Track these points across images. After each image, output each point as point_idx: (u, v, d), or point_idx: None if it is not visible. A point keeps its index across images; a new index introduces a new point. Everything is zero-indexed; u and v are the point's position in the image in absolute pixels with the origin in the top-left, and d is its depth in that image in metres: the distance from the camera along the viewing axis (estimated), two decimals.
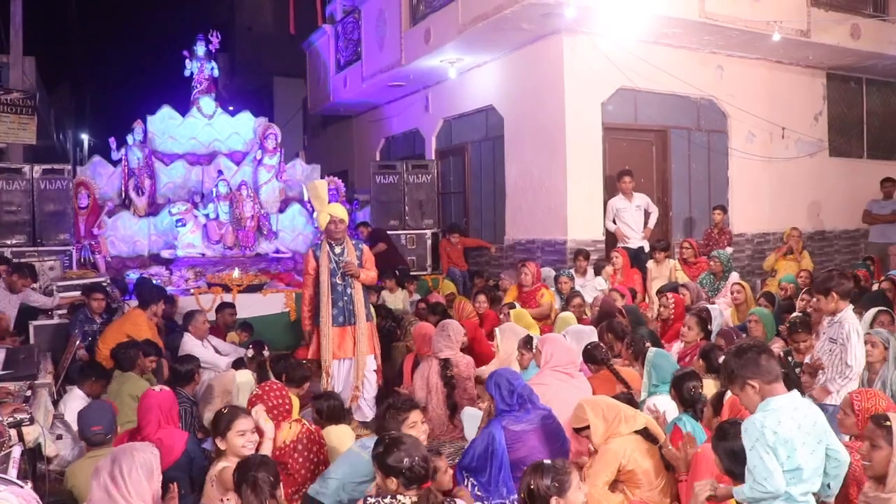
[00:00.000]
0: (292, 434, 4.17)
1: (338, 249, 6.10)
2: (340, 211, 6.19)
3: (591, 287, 8.50)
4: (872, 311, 5.66)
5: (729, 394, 4.01)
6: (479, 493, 4.00)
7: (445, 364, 5.75)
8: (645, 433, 3.91)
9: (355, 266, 6.04)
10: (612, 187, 9.77)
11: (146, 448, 3.14)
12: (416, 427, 3.74)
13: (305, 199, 10.70)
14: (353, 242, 6.25)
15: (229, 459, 3.56)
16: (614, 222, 9.41)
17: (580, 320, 6.91)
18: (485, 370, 5.88)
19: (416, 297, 9.25)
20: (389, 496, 2.93)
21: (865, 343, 4.98)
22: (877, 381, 4.93)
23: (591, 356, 5.24)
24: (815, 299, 4.78)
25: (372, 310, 6.48)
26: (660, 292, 7.48)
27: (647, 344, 5.52)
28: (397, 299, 8.88)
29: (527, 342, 5.59)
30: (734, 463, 3.04)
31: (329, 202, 10.00)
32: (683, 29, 9.32)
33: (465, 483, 4.05)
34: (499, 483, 3.95)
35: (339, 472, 3.77)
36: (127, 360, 5.54)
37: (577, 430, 3.97)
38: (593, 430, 3.85)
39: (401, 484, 2.96)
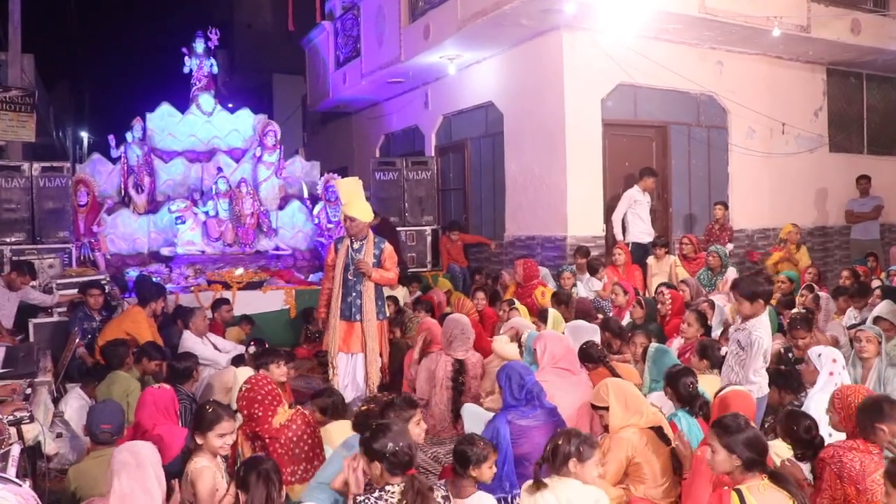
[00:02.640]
0: (286, 416, 4.31)
1: (356, 245, 6.13)
2: (354, 210, 6.15)
3: (587, 286, 8.50)
4: (875, 312, 5.67)
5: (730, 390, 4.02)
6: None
7: (460, 366, 5.72)
8: (659, 431, 3.91)
9: (368, 265, 6.04)
10: (612, 184, 9.78)
11: (148, 444, 3.24)
12: (418, 425, 3.80)
13: (305, 195, 10.70)
14: (376, 241, 6.23)
15: (206, 456, 3.56)
16: (623, 219, 9.41)
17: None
18: (488, 362, 5.89)
19: (419, 293, 9.25)
20: (378, 490, 2.97)
21: (860, 340, 5.00)
22: (871, 374, 4.96)
23: (588, 354, 5.24)
24: (735, 301, 4.54)
25: (385, 309, 6.44)
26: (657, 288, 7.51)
27: (652, 340, 5.54)
28: (397, 296, 8.87)
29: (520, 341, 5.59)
30: (750, 450, 3.04)
31: (331, 200, 10.18)
32: (683, 24, 9.30)
33: None
34: (502, 477, 3.93)
35: (326, 478, 3.76)
36: (116, 358, 5.52)
37: (595, 408, 4.02)
38: (611, 412, 3.89)
39: (385, 469, 3.02)
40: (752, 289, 4.37)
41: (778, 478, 3.04)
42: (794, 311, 6.36)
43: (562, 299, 7.18)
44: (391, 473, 3.03)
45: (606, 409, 3.92)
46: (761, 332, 4.44)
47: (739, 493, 2.96)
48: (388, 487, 2.98)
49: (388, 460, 3.02)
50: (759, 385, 4.44)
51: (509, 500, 3.95)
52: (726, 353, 4.72)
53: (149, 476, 3.01)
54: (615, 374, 4.98)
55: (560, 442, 3.28)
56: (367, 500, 2.96)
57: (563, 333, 5.81)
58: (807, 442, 3.63)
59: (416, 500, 2.92)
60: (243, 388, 4.50)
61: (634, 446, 3.80)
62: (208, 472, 3.47)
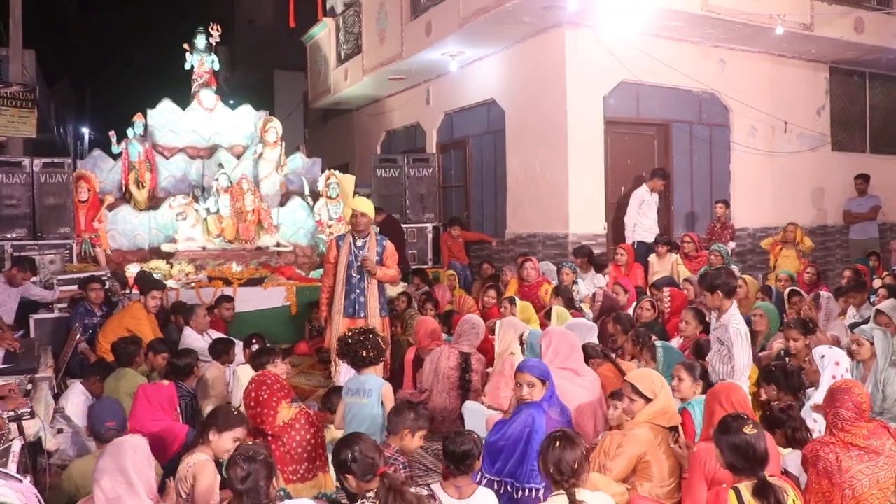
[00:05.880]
0: (291, 414, 4.30)
1: (359, 242, 6.13)
2: (363, 205, 6.17)
3: (591, 284, 8.49)
4: (878, 307, 5.67)
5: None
6: (488, 477, 3.94)
7: (466, 362, 5.71)
8: (675, 432, 3.90)
9: (373, 263, 6.06)
10: (614, 181, 9.78)
11: (136, 439, 3.18)
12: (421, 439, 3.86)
13: (306, 192, 10.68)
14: (378, 238, 6.23)
15: (208, 452, 3.51)
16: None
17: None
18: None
19: (425, 287, 9.23)
20: (360, 500, 3.00)
21: (851, 343, 5.01)
22: (869, 378, 4.94)
23: (596, 351, 5.23)
24: (702, 295, 4.87)
25: (387, 305, 6.45)
26: (654, 287, 7.48)
27: (654, 338, 5.52)
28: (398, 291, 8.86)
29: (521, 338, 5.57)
30: (736, 457, 3.01)
31: (332, 197, 10.16)
32: (686, 22, 9.28)
33: (478, 476, 3.96)
34: (534, 468, 3.84)
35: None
36: (126, 356, 5.50)
37: (632, 388, 3.94)
38: (649, 407, 3.85)
39: (357, 478, 3.04)
40: (712, 282, 4.64)
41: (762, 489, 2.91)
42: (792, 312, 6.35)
43: (561, 293, 7.16)
44: (364, 480, 3.05)
45: (643, 396, 3.87)
46: (738, 325, 4.58)
47: (737, 491, 2.92)
48: (368, 495, 2.99)
49: (353, 468, 3.05)
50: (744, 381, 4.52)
51: (515, 487, 3.89)
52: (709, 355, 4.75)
53: (129, 478, 2.92)
54: (621, 371, 4.97)
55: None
56: None
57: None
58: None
59: (390, 497, 2.90)
60: (252, 385, 4.48)
61: (649, 444, 3.77)
62: (211, 466, 3.41)
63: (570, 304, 7.15)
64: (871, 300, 6.98)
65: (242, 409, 4.60)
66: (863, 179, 11.03)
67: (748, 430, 2.98)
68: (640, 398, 3.90)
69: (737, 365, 4.52)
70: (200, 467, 3.39)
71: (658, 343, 5.34)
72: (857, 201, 11.05)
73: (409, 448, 3.81)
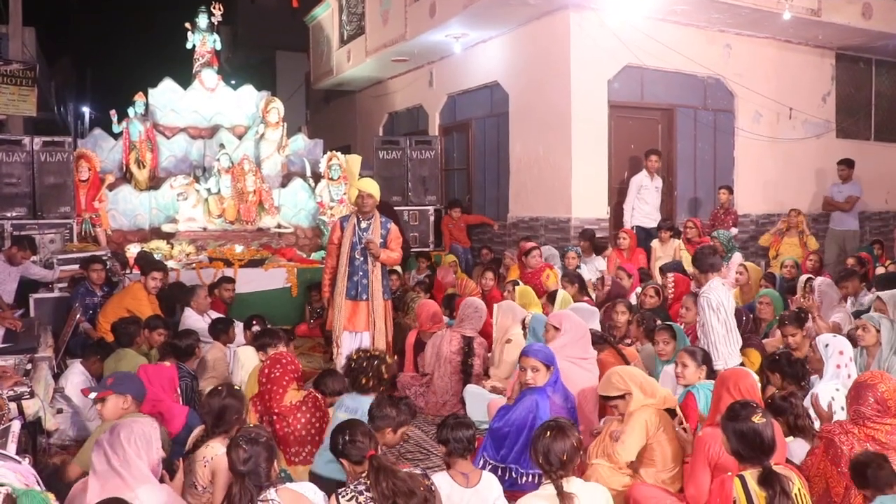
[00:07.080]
0: (298, 396, 4.30)
1: (364, 224, 6.08)
2: (369, 186, 6.11)
3: (593, 267, 8.46)
4: (872, 296, 5.67)
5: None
6: (492, 463, 3.94)
7: (468, 346, 5.69)
8: (673, 414, 3.88)
9: (377, 245, 6.01)
10: (617, 166, 9.73)
11: (146, 421, 3.15)
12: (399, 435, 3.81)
13: (307, 173, 10.64)
14: (382, 220, 6.19)
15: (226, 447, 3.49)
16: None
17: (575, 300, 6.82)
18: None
19: (428, 272, 9.22)
20: (353, 485, 3.00)
21: (856, 328, 4.98)
22: (873, 365, 4.91)
23: (599, 337, 5.22)
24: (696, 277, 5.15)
25: (389, 288, 6.42)
26: (662, 270, 7.46)
27: (658, 322, 5.51)
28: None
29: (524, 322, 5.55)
30: (742, 444, 2.99)
31: (333, 178, 10.12)
32: (692, 6, 9.20)
33: (480, 462, 3.98)
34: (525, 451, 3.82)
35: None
36: (126, 336, 5.48)
37: (608, 398, 3.90)
38: (634, 398, 3.80)
39: (351, 463, 3.10)
40: (708, 261, 4.93)
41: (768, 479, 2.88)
42: (788, 311, 6.31)
43: (572, 279, 7.12)
44: (358, 464, 3.08)
45: (621, 397, 3.85)
46: (710, 295, 4.77)
47: (742, 479, 2.91)
48: (361, 479, 3.01)
49: (346, 453, 3.10)
50: (725, 355, 4.61)
51: (519, 472, 3.88)
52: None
53: (126, 456, 2.89)
54: (621, 355, 4.96)
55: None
56: (343, 494, 2.96)
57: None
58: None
59: (380, 477, 2.91)
60: (268, 361, 4.46)
61: (650, 423, 3.74)
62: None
63: (583, 288, 7.08)
64: (872, 288, 6.95)
65: (243, 388, 4.59)
66: (846, 165, 10.47)
67: (756, 418, 2.96)
68: (619, 399, 3.86)
69: (710, 336, 4.69)
70: (219, 463, 3.36)
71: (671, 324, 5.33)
72: (838, 187, 10.56)
73: (389, 443, 3.81)
